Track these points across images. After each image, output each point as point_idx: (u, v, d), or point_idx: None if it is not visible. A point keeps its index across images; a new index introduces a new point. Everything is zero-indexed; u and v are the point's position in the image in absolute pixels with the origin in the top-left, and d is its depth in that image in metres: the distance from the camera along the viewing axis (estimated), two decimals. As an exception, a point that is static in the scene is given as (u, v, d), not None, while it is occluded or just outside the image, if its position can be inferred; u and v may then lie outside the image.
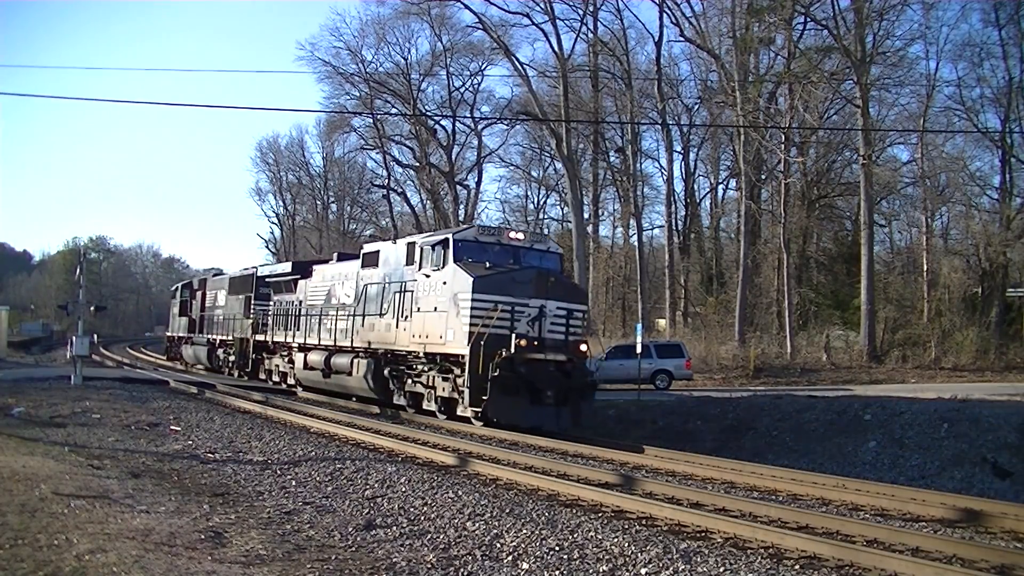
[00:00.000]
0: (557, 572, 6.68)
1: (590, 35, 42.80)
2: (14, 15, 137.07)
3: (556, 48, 40.55)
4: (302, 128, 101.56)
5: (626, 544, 7.36)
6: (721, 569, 6.72)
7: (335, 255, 25.06)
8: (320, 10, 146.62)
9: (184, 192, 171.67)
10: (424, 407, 17.98)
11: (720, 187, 51.58)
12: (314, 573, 6.44)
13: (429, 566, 6.76)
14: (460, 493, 9.46)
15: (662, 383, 27.48)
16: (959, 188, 39.85)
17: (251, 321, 28.09)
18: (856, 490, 10.86)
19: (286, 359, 24.96)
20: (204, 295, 35.26)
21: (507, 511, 8.61)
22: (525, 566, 6.81)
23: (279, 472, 10.98)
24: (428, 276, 17.10)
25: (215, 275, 36.25)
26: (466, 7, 43.84)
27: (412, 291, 17.58)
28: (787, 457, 15.68)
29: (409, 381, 18.31)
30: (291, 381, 24.46)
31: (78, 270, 25.06)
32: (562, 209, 55.02)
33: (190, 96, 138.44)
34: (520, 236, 17.72)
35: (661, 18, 40.27)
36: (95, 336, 43.61)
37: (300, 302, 24.08)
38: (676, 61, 49.75)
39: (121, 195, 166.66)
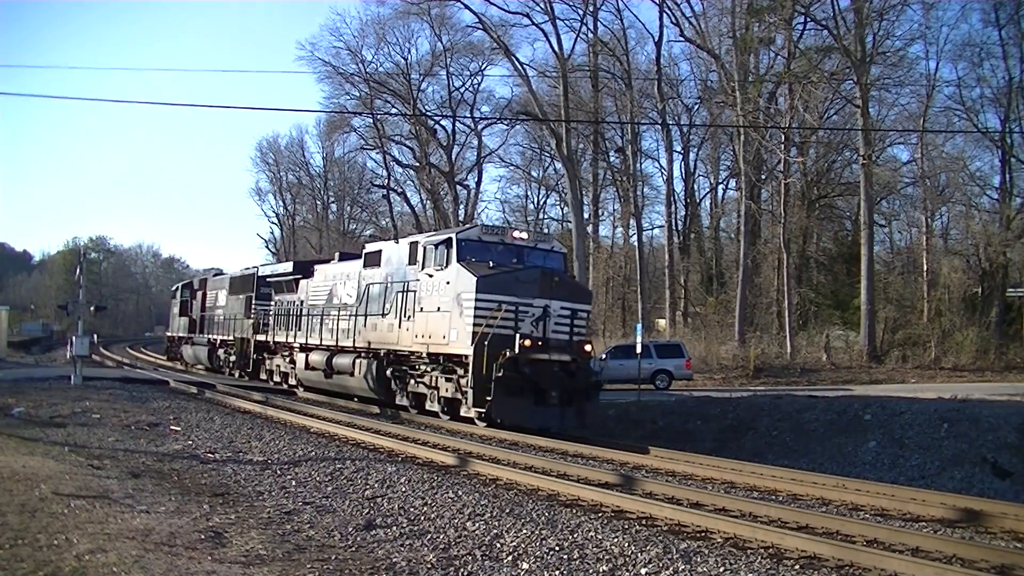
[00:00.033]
0: (557, 572, 6.68)
1: (590, 35, 42.86)
2: (15, 15, 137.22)
3: (556, 48, 40.61)
4: (302, 128, 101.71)
5: (626, 544, 7.36)
6: (721, 569, 6.72)
7: (337, 255, 24.99)
8: (320, 10, 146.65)
9: (184, 192, 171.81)
10: (427, 408, 17.88)
11: (720, 187, 51.70)
12: (314, 573, 6.44)
13: (429, 566, 6.76)
14: (460, 493, 9.46)
15: (662, 383, 27.49)
16: (959, 188, 39.88)
17: (252, 321, 28.07)
18: (856, 490, 10.86)
19: (287, 359, 24.91)
20: (205, 295, 35.24)
21: (507, 511, 8.61)
22: (525, 566, 6.81)
23: (279, 472, 10.98)
24: (431, 276, 17.01)
25: (215, 275, 36.20)
26: (466, 7, 43.93)
27: (415, 291, 17.49)
28: (787, 457, 15.67)
29: (412, 382, 18.22)
30: (292, 381, 24.41)
31: (78, 270, 25.06)
32: (562, 209, 55.08)
33: (190, 96, 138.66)
34: (524, 235, 17.61)
35: (661, 18, 40.36)
36: (95, 336, 43.62)
37: (302, 302, 24.02)
38: (676, 61, 49.83)
39: (121, 195, 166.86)
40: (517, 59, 43.02)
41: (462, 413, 16.66)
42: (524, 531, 7.81)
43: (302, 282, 24.52)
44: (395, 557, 7.02)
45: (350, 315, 20.44)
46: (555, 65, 41.48)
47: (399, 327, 17.95)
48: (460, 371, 16.23)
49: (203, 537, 7.23)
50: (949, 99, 39.31)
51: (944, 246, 42.04)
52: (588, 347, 16.50)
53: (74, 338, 23.25)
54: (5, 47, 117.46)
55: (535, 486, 10.37)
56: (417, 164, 52.94)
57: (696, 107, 48.41)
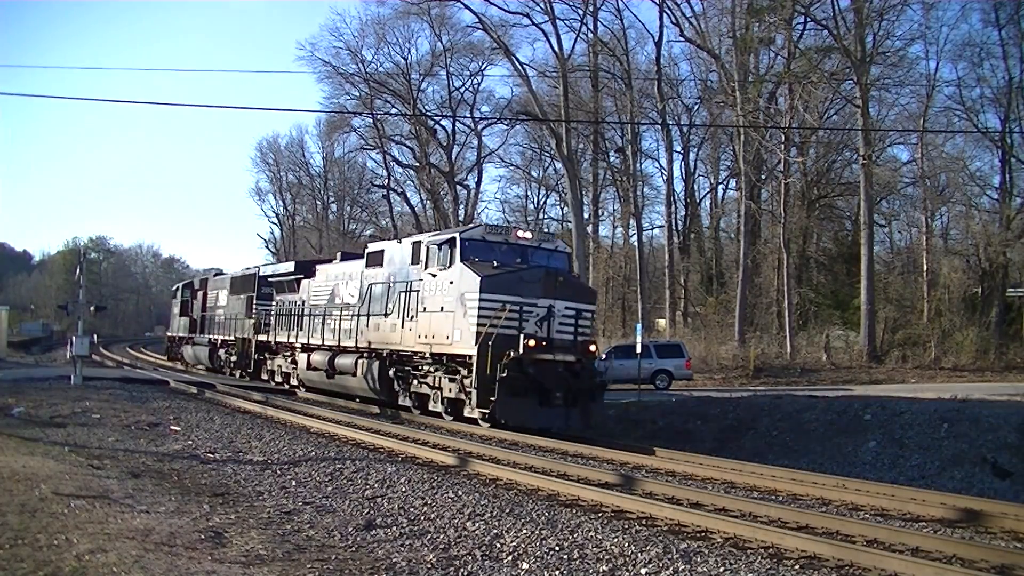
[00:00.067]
0: (557, 572, 6.69)
1: (590, 35, 42.85)
2: (15, 15, 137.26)
3: (556, 48, 40.60)
4: (302, 128, 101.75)
5: (626, 544, 7.36)
6: (721, 569, 6.72)
7: (339, 254, 24.87)
8: (320, 10, 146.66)
9: (184, 192, 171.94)
10: (430, 408, 17.81)
11: (720, 187, 51.69)
12: (314, 573, 6.44)
13: (429, 566, 6.76)
14: (460, 493, 9.46)
15: (662, 383, 27.49)
16: (959, 188, 39.87)
17: (253, 321, 28.03)
18: (856, 490, 10.86)
19: (289, 359, 24.86)
20: (205, 295, 35.19)
21: (507, 511, 8.61)
22: (525, 566, 6.81)
23: (279, 472, 10.98)
24: (434, 276, 16.93)
25: (216, 275, 36.12)
26: (466, 7, 43.93)
27: (418, 291, 17.42)
28: (787, 457, 15.66)
29: (415, 382, 18.14)
30: (294, 382, 24.38)
31: (78, 270, 25.06)
32: (562, 209, 55.06)
33: (190, 96, 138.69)
34: (528, 235, 17.52)
35: (661, 18, 40.35)
36: (95, 336, 43.58)
37: (303, 302, 23.95)
38: (676, 61, 49.86)
39: (121, 195, 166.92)
40: (517, 59, 43.09)
41: (466, 414, 16.55)
42: (524, 531, 7.81)
43: (304, 282, 24.47)
44: (395, 557, 7.02)
45: (352, 315, 20.38)
46: (555, 65, 41.47)
47: (402, 327, 17.88)
48: (464, 371, 16.14)
49: (203, 537, 7.24)
50: (949, 99, 39.39)
51: (944, 246, 42.04)
52: (592, 347, 16.44)
53: (74, 338, 23.25)
54: (5, 47, 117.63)
55: (535, 486, 10.37)
56: (417, 164, 52.94)
57: (696, 107, 48.50)
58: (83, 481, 9.46)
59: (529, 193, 58.71)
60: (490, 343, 15.05)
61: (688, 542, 7.63)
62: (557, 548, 7.27)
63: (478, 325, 15.34)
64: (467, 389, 16.01)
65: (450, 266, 16.49)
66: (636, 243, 45.54)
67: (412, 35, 49.65)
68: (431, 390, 17.58)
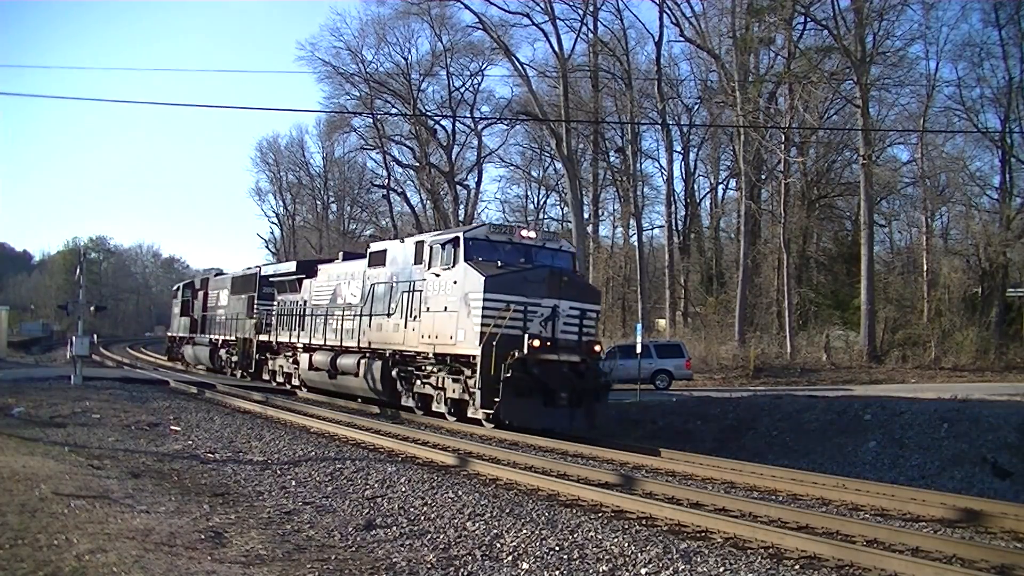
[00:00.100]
0: (557, 572, 6.69)
1: (590, 35, 42.88)
2: (15, 15, 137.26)
3: (556, 48, 40.62)
4: (302, 128, 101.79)
5: (626, 544, 7.37)
6: (721, 569, 6.72)
7: (340, 254, 24.77)
8: (320, 10, 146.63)
9: (184, 192, 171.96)
10: (433, 409, 17.74)
11: (720, 187, 51.69)
12: (314, 573, 6.44)
13: (429, 566, 6.76)
14: (460, 493, 9.46)
15: (662, 383, 27.49)
16: (959, 188, 39.89)
17: (254, 321, 28.00)
18: (856, 490, 10.86)
19: (290, 360, 24.80)
20: (206, 295, 35.16)
21: (507, 511, 8.62)
22: (525, 566, 6.81)
23: (279, 472, 10.98)
24: (438, 275, 16.84)
25: (217, 275, 36.09)
26: (466, 7, 43.97)
27: (421, 291, 17.32)
28: (787, 457, 15.66)
29: (418, 382, 18.05)
30: (295, 382, 24.33)
31: (78, 270, 25.05)
32: (562, 209, 55.07)
33: (190, 96, 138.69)
34: (532, 234, 17.39)
35: (661, 18, 40.38)
36: (95, 336, 43.61)
37: (305, 302, 23.87)
38: (676, 61, 49.89)
39: (121, 195, 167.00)
40: (517, 59, 43.11)
41: (469, 414, 16.48)
42: (524, 531, 7.81)
43: (305, 282, 24.41)
44: (395, 557, 7.02)
45: (354, 315, 20.29)
46: (555, 65, 41.49)
47: (405, 327, 17.79)
48: (467, 372, 16.06)
49: (203, 537, 7.24)
50: (949, 99, 39.41)
51: (944, 246, 42.05)
52: (597, 347, 16.40)
53: (74, 338, 23.24)
54: (5, 47, 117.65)
55: (535, 486, 10.37)
56: (417, 164, 52.95)
57: (696, 107, 48.51)
58: (83, 481, 9.46)
59: (529, 193, 58.82)
60: (494, 343, 14.99)
61: (688, 542, 7.63)
62: (557, 548, 7.27)
63: (482, 325, 15.28)
64: (471, 390, 15.93)
65: (454, 266, 16.40)
66: (636, 243, 45.62)
67: (412, 35, 49.76)
68: (434, 391, 17.49)
